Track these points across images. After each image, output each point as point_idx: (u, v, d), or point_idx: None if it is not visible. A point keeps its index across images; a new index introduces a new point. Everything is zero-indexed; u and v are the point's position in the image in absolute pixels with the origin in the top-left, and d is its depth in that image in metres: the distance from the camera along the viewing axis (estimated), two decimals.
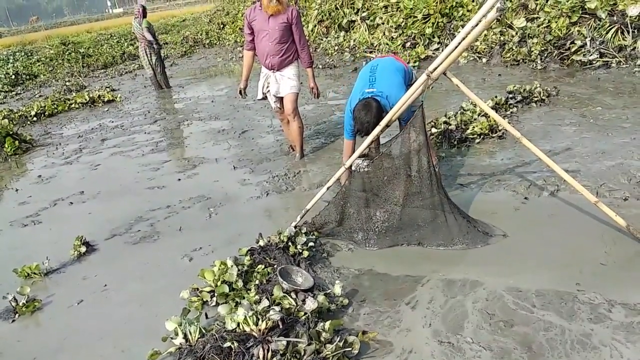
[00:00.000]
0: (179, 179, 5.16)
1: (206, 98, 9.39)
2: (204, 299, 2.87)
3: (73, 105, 10.13)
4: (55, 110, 9.85)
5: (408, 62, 8.95)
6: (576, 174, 3.81)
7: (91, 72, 16.37)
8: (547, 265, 2.85)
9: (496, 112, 5.58)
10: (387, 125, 3.32)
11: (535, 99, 6.03)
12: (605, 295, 2.51)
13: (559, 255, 2.92)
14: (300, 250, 3.22)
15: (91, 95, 10.35)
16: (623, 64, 6.93)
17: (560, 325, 2.35)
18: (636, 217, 3.15)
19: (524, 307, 2.51)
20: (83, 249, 3.70)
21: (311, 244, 3.32)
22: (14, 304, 3.03)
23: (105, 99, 10.27)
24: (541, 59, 7.73)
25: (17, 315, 3.01)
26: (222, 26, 19.53)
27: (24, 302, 3.06)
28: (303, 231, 3.43)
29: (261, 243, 3.30)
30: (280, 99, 5.02)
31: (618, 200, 3.43)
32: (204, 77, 12.18)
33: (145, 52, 10.21)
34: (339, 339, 2.32)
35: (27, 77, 16.05)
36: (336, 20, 12.11)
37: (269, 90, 5.01)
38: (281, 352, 2.25)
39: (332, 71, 10.17)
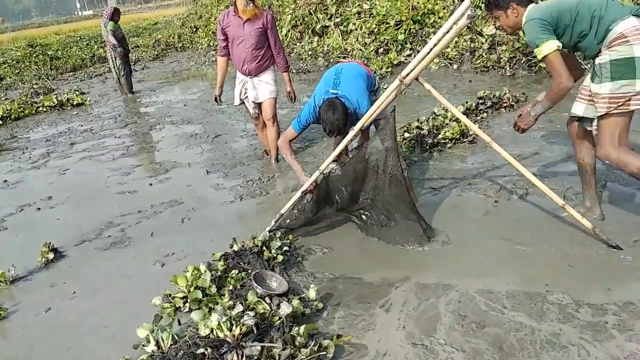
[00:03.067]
0: (151, 184, 5.08)
1: (178, 102, 9.28)
2: (177, 305, 2.83)
3: (41, 109, 9.88)
4: (22, 113, 9.59)
5: (381, 68, 9.05)
6: (544, 177, 3.91)
7: (59, 74, 16.01)
8: (517, 267, 2.90)
9: (467, 117, 5.68)
10: (361, 130, 3.36)
11: (505, 104, 6.17)
12: (573, 296, 2.58)
13: (528, 257, 2.99)
14: (275, 255, 3.21)
15: (60, 99, 10.12)
16: (587, 71, 7.13)
17: (530, 325, 2.40)
18: (601, 220, 3.24)
19: (495, 308, 2.56)
20: (51, 255, 3.60)
21: (285, 248, 3.31)
22: None
23: (75, 102, 10.06)
24: (510, 65, 7.91)
25: None
26: (194, 29, 19.35)
27: None
28: (277, 236, 3.42)
29: (235, 248, 3.28)
30: (259, 105, 5.00)
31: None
32: (176, 81, 12.05)
33: (111, 55, 10.06)
34: (313, 343, 2.32)
35: None
36: (310, 26, 12.15)
37: (246, 97, 4.99)
38: (256, 357, 2.23)
39: (306, 76, 10.19)
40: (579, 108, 3.09)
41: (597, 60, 2.85)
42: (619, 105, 2.77)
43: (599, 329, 2.33)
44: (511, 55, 7.96)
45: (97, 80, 13.77)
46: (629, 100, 2.74)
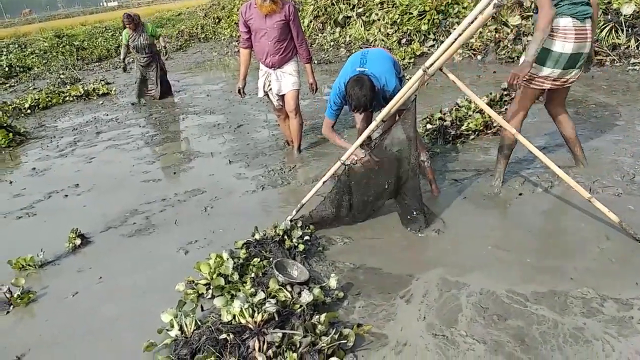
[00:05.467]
0: (174, 173, 5.15)
1: (202, 92, 9.36)
2: (200, 292, 2.88)
3: (67, 98, 10.07)
4: (50, 102, 9.79)
5: (403, 59, 8.96)
6: (570, 170, 3.84)
7: (86, 65, 16.29)
8: (540, 260, 2.87)
9: (491, 108, 5.61)
10: (383, 121, 3.34)
11: None
12: (597, 290, 2.54)
13: (552, 250, 2.95)
14: (296, 244, 3.23)
15: (86, 88, 10.31)
16: (617, 62, 6.97)
17: (553, 319, 2.38)
18: (629, 213, 3.18)
19: (517, 301, 2.54)
20: (78, 241, 3.69)
21: (307, 237, 3.33)
22: (8, 295, 3.03)
23: (100, 92, 10.24)
24: None
25: (11, 306, 3.01)
26: (217, 20, 19.45)
27: (19, 293, 3.06)
28: (299, 225, 3.44)
29: (257, 236, 3.31)
30: (282, 97, 5.00)
31: (611, 196, 3.46)
32: (199, 71, 12.14)
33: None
34: (334, 331, 2.34)
35: (21, 69, 15.94)
36: (332, 16, 12.10)
37: (270, 89, 4.99)
38: (277, 344, 2.26)
39: (328, 66, 10.16)
40: None
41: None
42: (528, 81, 3.41)
43: (624, 323, 2.29)
44: None
45: (122, 70, 13.95)
46: (533, 80, 3.39)
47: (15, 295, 3.04)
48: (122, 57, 9.13)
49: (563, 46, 3.20)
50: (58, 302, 3.04)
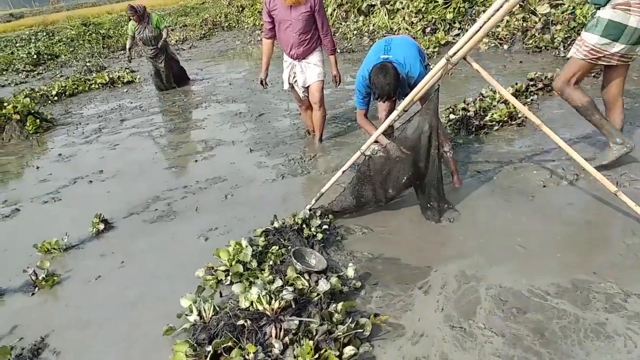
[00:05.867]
0: (196, 160, 5.20)
1: (224, 81, 9.40)
2: (219, 278, 2.91)
3: (93, 86, 10.24)
4: (76, 90, 9.97)
5: (428, 48, 8.84)
6: (596, 163, 3.74)
7: (111, 53, 16.51)
8: (563, 253, 2.82)
9: (517, 99, 5.51)
10: (405, 110, 3.30)
11: None
12: (621, 285, 2.49)
13: (576, 244, 2.89)
14: (314, 233, 3.24)
15: (111, 76, 10.46)
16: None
17: (575, 313, 2.34)
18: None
19: (538, 294, 2.50)
20: (101, 226, 3.76)
21: (325, 226, 3.33)
22: (33, 277, 3.11)
23: (125, 80, 10.38)
24: (564, 46, 7.56)
25: (36, 288, 3.09)
26: (241, 9, 19.46)
27: (44, 276, 3.14)
28: (317, 214, 3.44)
29: (276, 225, 3.32)
30: (307, 88, 4.97)
31: (639, 190, 3.37)
32: (222, 60, 12.19)
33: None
34: (350, 320, 2.34)
35: (49, 57, 16.25)
36: (356, 5, 11.98)
37: (295, 81, 4.97)
38: (293, 331, 2.27)
39: (351, 55, 10.08)
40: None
41: (598, 13, 3.28)
42: (593, 57, 3.37)
43: None
44: (566, 35, 7.60)
45: (146, 59, 14.09)
46: (603, 56, 3.34)
47: (40, 278, 3.12)
48: (127, 47, 9.35)
49: (638, 21, 3.12)
50: (81, 286, 3.12)
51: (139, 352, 2.45)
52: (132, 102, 8.48)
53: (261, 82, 5.10)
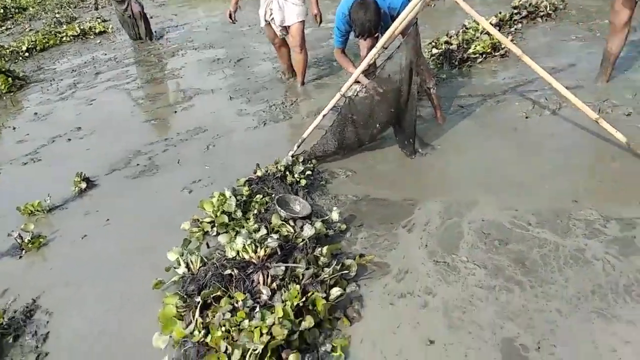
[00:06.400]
0: (175, 112, 5.09)
1: (200, 26, 9.08)
2: (205, 230, 2.91)
3: (65, 39, 9.82)
4: (47, 44, 9.56)
5: None
6: (579, 90, 3.71)
7: (81, 2, 15.76)
8: (545, 183, 2.84)
9: (500, 29, 5.39)
10: (385, 47, 3.21)
11: (542, 13, 5.80)
12: (601, 211, 2.53)
13: (558, 173, 2.91)
14: (298, 179, 3.23)
15: (82, 27, 10.02)
16: None
17: (555, 241, 2.38)
18: (638, 133, 3.10)
19: (519, 225, 2.54)
20: (83, 184, 3.71)
21: (308, 172, 3.31)
22: (19, 240, 3.09)
23: (97, 31, 9.96)
24: None
25: (23, 251, 3.08)
26: None
27: (29, 238, 3.12)
28: (300, 160, 3.42)
29: (259, 173, 3.30)
30: (286, 28, 4.78)
31: (621, 116, 3.37)
32: (198, 3, 11.71)
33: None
34: (336, 262, 2.37)
35: (16, 10, 15.48)
36: None
37: (272, 19, 4.77)
38: (280, 277, 2.30)
39: None
40: None
41: None
42: None
43: (626, 243, 2.29)
44: None
45: (93, 8, 13.50)
46: None
47: (26, 240, 3.10)
48: None
49: None
50: (68, 245, 3.11)
51: (130, 306, 2.48)
52: (106, 54, 8.18)
53: (229, 15, 4.91)
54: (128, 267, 2.79)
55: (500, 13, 5.70)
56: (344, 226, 2.75)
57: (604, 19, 5.34)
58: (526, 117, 3.63)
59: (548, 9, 5.81)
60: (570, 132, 3.32)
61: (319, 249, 2.46)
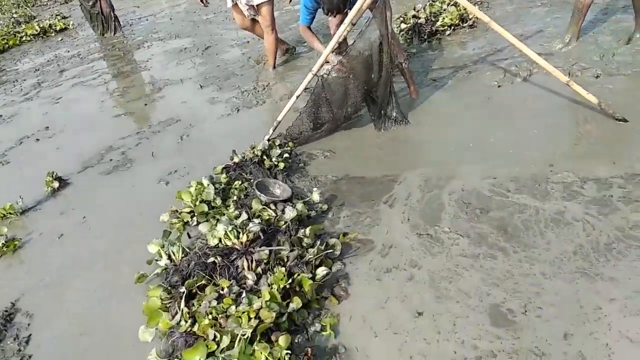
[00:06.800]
0: (146, 104, 4.98)
1: (164, 16, 8.88)
2: (184, 220, 2.86)
3: (24, 38, 9.53)
4: (6, 45, 9.27)
5: None
6: (548, 56, 3.74)
7: (38, 0, 15.26)
8: (521, 149, 2.86)
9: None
10: (353, 24, 3.17)
11: None
12: (577, 173, 2.55)
13: (532, 139, 2.93)
14: (276, 163, 3.19)
15: (42, 25, 9.72)
16: None
17: (535, 206, 2.40)
18: (608, 93, 3.14)
19: (499, 193, 2.55)
20: (56, 184, 3.61)
21: (286, 155, 3.28)
22: None
23: (58, 28, 9.69)
24: None
25: None
26: None
27: (4, 242, 3.03)
28: (277, 143, 3.38)
29: (236, 160, 3.25)
30: (254, 7, 4.67)
31: (590, 78, 3.40)
32: None
33: None
34: (320, 242, 2.36)
35: None
36: None
37: None
38: (265, 261, 2.27)
39: None
40: None
41: None
42: None
43: (604, 203, 2.32)
44: None
45: (78, 2, 13.09)
46: None
47: (0, 244, 3.01)
48: None
49: None
50: (45, 246, 3.03)
51: (113, 302, 2.43)
52: (69, 51, 7.95)
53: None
54: (108, 263, 2.73)
55: None
56: (325, 206, 2.73)
57: None
58: (498, 86, 3.64)
59: None
60: (542, 98, 3.34)
61: (302, 230, 2.44)
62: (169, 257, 2.48)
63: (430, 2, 5.33)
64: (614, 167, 2.53)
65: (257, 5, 4.59)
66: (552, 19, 4.58)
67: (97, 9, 8.08)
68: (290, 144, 3.43)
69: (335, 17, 3.61)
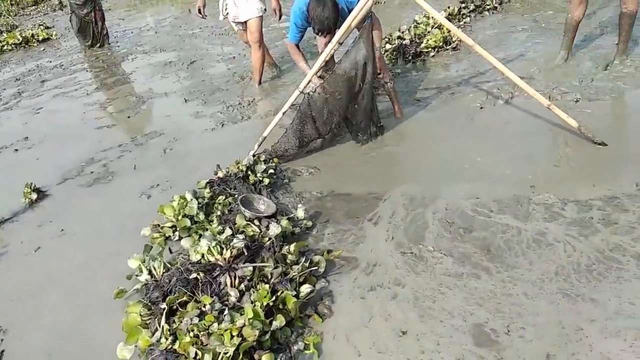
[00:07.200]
0: (129, 117, 4.93)
1: (149, 30, 8.86)
2: (166, 235, 2.82)
3: (6, 47, 9.37)
4: None
5: None
6: (530, 79, 3.83)
7: (21, 9, 15.10)
8: (503, 171, 2.90)
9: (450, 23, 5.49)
10: (340, 43, 3.21)
11: (488, 7, 5.95)
12: (558, 195, 2.60)
13: (514, 161, 2.98)
14: (261, 178, 3.18)
15: (24, 35, 9.59)
16: None
17: (517, 226, 2.43)
18: (587, 117, 3.22)
19: (482, 213, 2.58)
20: (34, 195, 3.54)
21: (271, 171, 3.27)
22: None
23: (40, 38, 9.56)
24: None
25: None
26: None
27: None
28: (262, 159, 3.37)
29: (220, 174, 3.23)
30: (243, 23, 4.69)
31: (570, 102, 3.49)
32: (145, 7, 11.44)
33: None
34: (304, 259, 2.34)
35: None
36: None
37: (228, 13, 4.69)
38: (248, 277, 2.25)
39: None
40: None
41: None
42: None
43: (585, 224, 2.36)
44: None
45: (61, 12, 13.01)
46: None
47: None
48: None
49: None
50: (21, 259, 2.95)
51: (91, 318, 2.37)
52: (51, 61, 7.86)
53: (199, 10, 4.82)
54: (87, 277, 2.67)
55: (449, 7, 5.82)
56: (310, 223, 2.72)
57: (547, 10, 5.54)
58: (481, 107, 3.71)
59: (494, 2, 5.98)
60: (524, 120, 3.41)
61: (286, 247, 2.43)
62: (150, 273, 2.44)
63: (415, 24, 5.43)
64: (594, 189, 2.58)
65: (245, 21, 4.62)
66: (533, 44, 4.70)
67: (91, 18, 7.93)
68: (275, 159, 3.42)
69: (324, 37, 3.64)
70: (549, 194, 2.62)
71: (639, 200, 2.45)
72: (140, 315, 2.17)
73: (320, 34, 3.31)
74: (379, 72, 3.46)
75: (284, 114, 3.38)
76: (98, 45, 8.14)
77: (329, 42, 3.74)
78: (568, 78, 3.83)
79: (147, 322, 2.15)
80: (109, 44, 8.24)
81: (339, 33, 3.11)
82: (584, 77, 3.78)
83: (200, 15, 4.88)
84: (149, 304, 2.23)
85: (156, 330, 2.09)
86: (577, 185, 2.65)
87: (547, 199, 2.59)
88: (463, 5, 5.94)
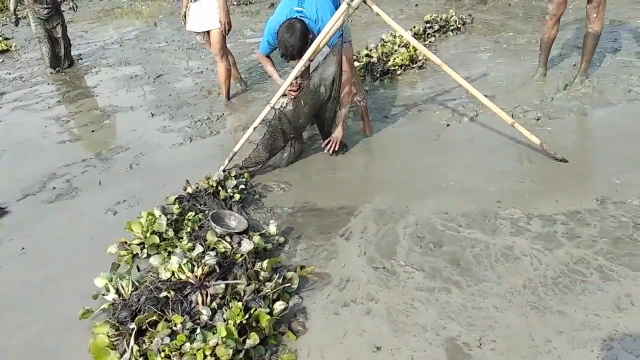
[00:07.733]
0: (93, 131, 4.81)
1: (114, 42, 8.72)
2: (134, 252, 2.75)
3: None
4: None
5: None
6: (493, 98, 3.95)
7: None
8: (469, 186, 2.97)
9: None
10: (310, 60, 3.24)
11: (452, 27, 6.13)
12: (524, 210, 2.68)
13: (480, 176, 3.06)
14: (232, 194, 3.15)
15: None
16: None
17: (485, 240, 2.49)
18: (548, 135, 3.35)
19: (451, 227, 2.63)
20: None
21: (242, 186, 3.25)
22: None
23: None
24: None
25: None
26: None
27: None
28: (232, 174, 3.35)
29: (189, 190, 3.19)
30: (204, 33, 4.67)
31: (531, 120, 3.62)
32: (109, 20, 11.26)
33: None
34: (277, 276, 2.33)
35: None
36: None
37: (187, 22, 4.70)
38: (220, 295, 2.22)
39: (248, 7, 9.74)
40: None
41: None
42: None
43: (549, 238, 2.44)
44: None
45: (21, 23, 12.60)
46: None
47: None
48: (11, 8, 7.46)
49: None
50: None
51: (53, 340, 2.28)
52: (10, 73, 7.61)
53: (184, 15, 4.78)
54: (50, 297, 2.57)
55: (414, 27, 5.97)
56: (282, 239, 2.71)
57: (507, 31, 5.76)
58: (447, 125, 3.80)
59: (457, 23, 6.17)
60: (488, 137, 3.52)
61: (259, 263, 2.41)
62: (117, 292, 2.37)
63: (382, 42, 5.54)
64: (557, 204, 2.68)
65: (207, 31, 4.62)
66: (495, 63, 4.87)
67: (58, 33, 7.24)
68: (246, 174, 3.41)
69: (288, 61, 3.64)
70: (514, 209, 2.70)
71: (599, 214, 2.56)
72: (108, 336, 2.10)
73: (284, 58, 3.33)
74: (354, 92, 3.51)
75: (254, 129, 3.38)
76: (68, 64, 7.51)
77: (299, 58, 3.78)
78: (529, 97, 3.98)
79: (115, 343, 2.08)
80: (76, 64, 7.81)
81: (309, 51, 3.14)
82: (544, 96, 3.93)
83: (184, 21, 4.86)
84: (117, 324, 2.16)
85: (124, 351, 2.03)
86: (541, 200, 2.74)
87: (513, 214, 2.67)
88: (428, 25, 6.10)
